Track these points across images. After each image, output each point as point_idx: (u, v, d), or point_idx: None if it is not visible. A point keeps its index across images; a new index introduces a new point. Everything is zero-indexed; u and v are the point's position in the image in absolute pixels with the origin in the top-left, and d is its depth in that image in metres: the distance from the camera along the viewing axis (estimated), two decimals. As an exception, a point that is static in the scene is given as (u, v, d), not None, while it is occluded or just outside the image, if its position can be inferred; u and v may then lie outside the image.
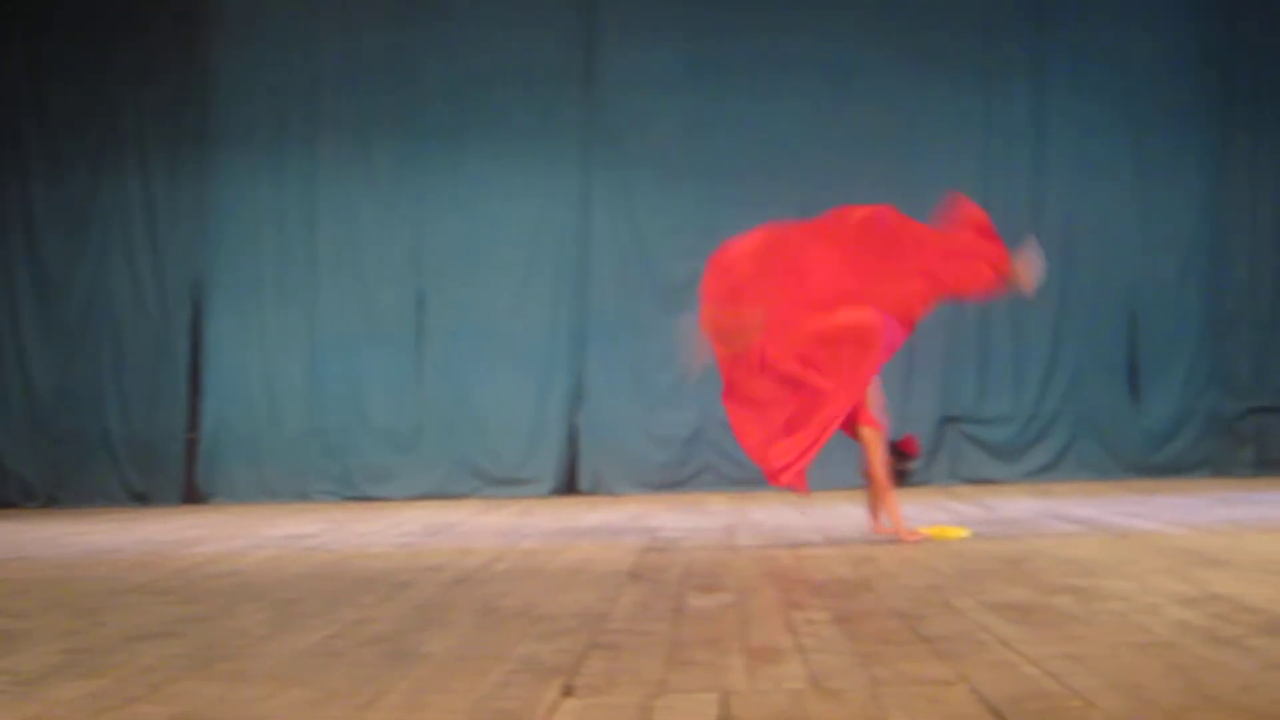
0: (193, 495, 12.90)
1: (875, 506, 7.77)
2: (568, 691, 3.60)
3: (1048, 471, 12.87)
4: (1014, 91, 13.32)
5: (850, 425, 7.68)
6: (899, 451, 7.89)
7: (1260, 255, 13.42)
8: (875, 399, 7.79)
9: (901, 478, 7.89)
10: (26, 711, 3.56)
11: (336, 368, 13.06)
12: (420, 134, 13.19)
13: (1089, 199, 13.11)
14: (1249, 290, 13.38)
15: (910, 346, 13.04)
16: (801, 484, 7.48)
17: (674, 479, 12.82)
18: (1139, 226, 13.29)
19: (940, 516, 9.21)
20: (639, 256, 13.16)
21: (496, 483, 12.81)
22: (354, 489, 12.83)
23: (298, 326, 13.12)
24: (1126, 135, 13.31)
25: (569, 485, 12.87)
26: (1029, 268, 7.92)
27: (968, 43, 13.33)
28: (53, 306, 13.22)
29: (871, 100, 13.19)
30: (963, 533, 7.89)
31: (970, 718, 3.21)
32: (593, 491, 12.73)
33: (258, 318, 13.15)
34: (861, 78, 13.16)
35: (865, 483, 7.82)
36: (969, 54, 13.34)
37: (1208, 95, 13.43)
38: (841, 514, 9.67)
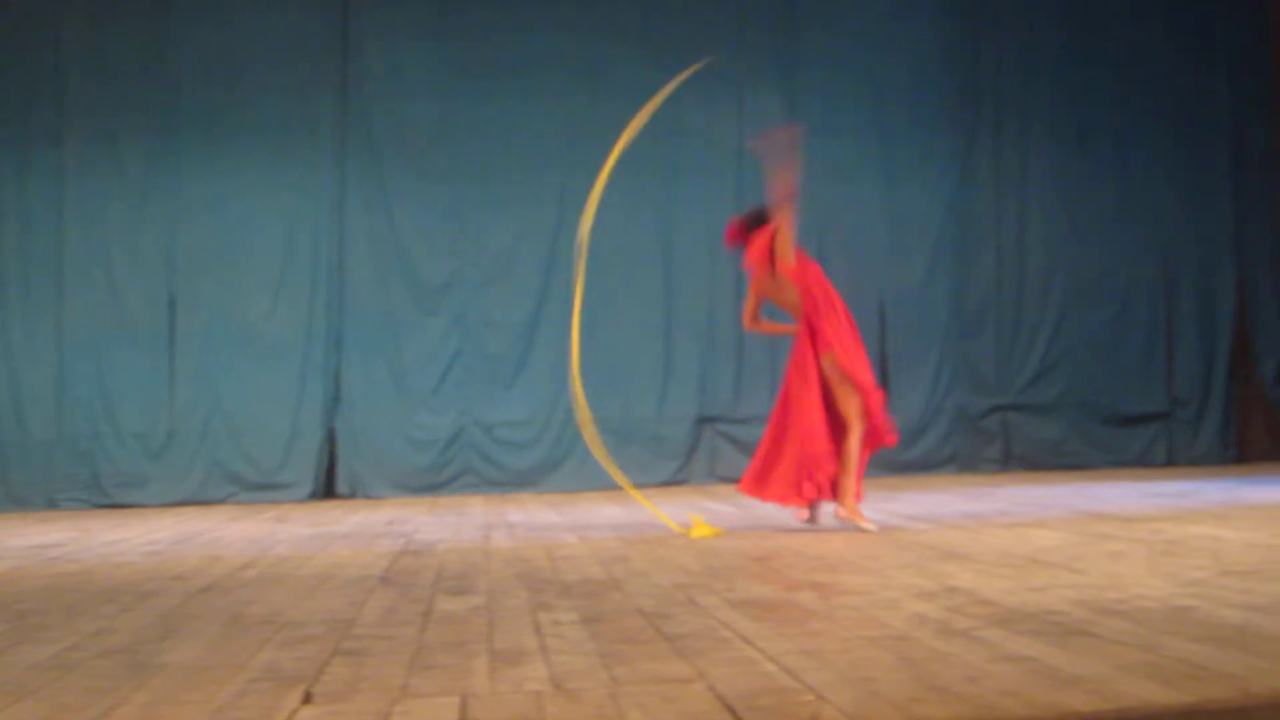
0: (-65, 504, 12.49)
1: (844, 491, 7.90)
2: (307, 699, 3.57)
3: (802, 469, 13.08)
4: (766, 95, 13.53)
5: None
6: None
7: (1004, 256, 13.85)
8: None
9: None
10: None
11: (85, 371, 12.73)
12: (172, 130, 12.93)
13: (839, 201, 13.35)
14: (993, 290, 13.80)
15: (668, 347, 13.24)
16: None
17: (433, 482, 12.77)
18: (887, 228, 13.62)
19: (697, 515, 9.29)
20: (396, 257, 13.07)
21: (253, 488, 12.62)
22: (105, 496, 12.52)
23: (44, 328, 12.76)
24: (874, 139, 13.62)
25: (327, 489, 12.73)
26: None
27: (721, 44, 13.49)
28: None
29: (627, 99, 13.27)
30: (715, 531, 7.98)
31: (705, 714, 3.25)
32: (351, 495, 12.62)
33: (1, 319, 12.77)
34: (616, 77, 13.25)
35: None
36: (722, 55, 13.51)
37: (951, 101, 13.81)
38: (599, 514, 9.71)
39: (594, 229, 13.08)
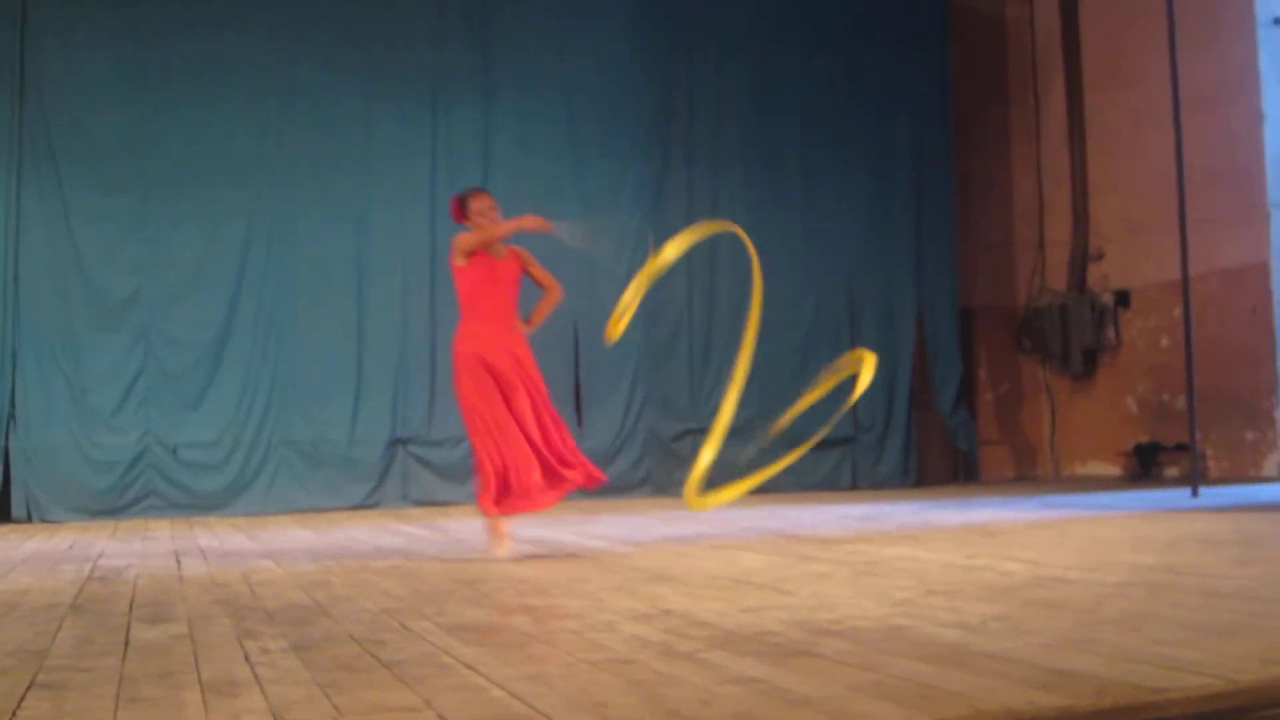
0: None
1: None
2: (7, 736, 3.35)
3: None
4: (464, 116, 13.48)
5: None
6: None
7: (694, 284, 14.02)
8: None
9: None
10: None
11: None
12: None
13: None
14: (684, 317, 13.96)
15: (360, 367, 13.03)
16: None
17: (116, 504, 12.32)
18: (579, 255, 13.64)
19: (391, 540, 9.15)
20: (76, 271, 12.58)
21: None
22: None
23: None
24: (569, 159, 13.67)
25: (1, 512, 12.15)
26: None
27: (419, 59, 13.42)
28: None
29: (323, 115, 13.11)
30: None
31: (438, 745, 3.15)
32: (27, 519, 12.07)
33: None
34: (309, 95, 13.07)
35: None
36: (420, 69, 13.43)
37: (647, 125, 13.95)
38: (291, 537, 9.48)
39: (284, 240, 12.89)
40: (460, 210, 8.00)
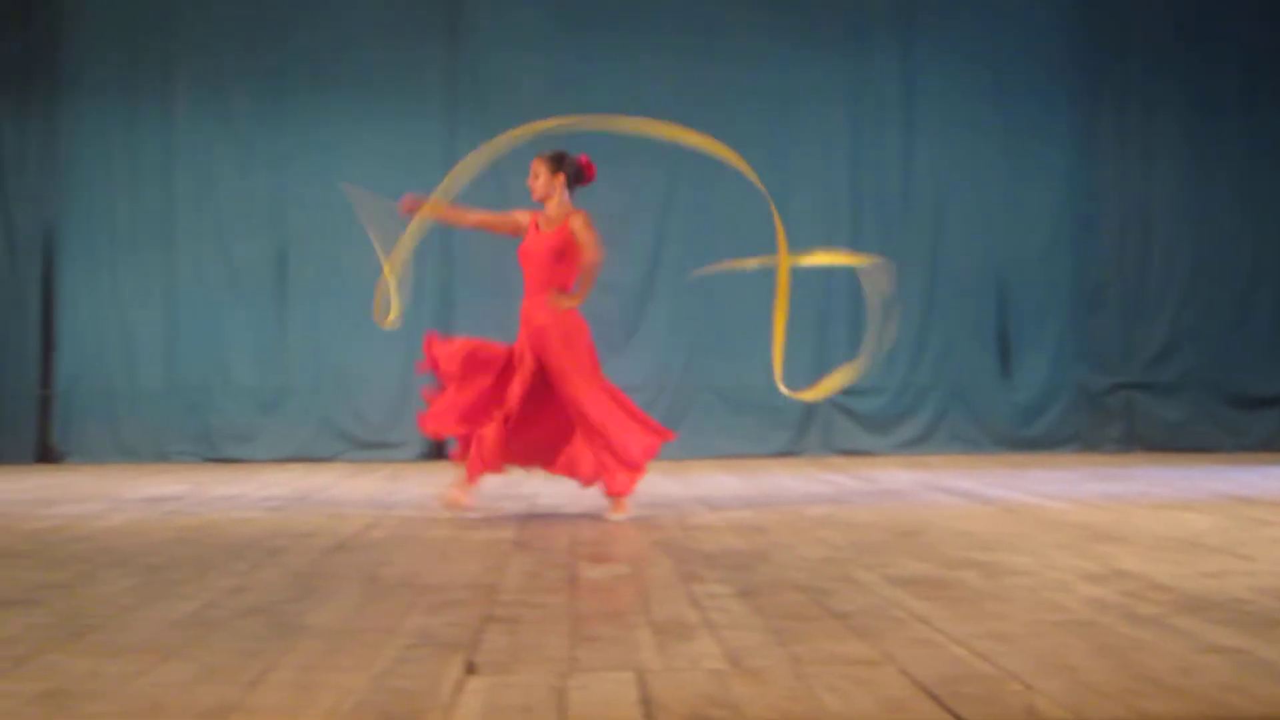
0: (47, 454, 12.44)
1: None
2: (471, 669, 3.37)
3: (920, 443, 12.81)
4: (881, 69, 13.22)
5: None
6: None
7: (1128, 229, 13.45)
8: None
9: None
10: (-126, 687, 3.27)
11: (196, 324, 12.64)
12: (281, 87, 12.76)
13: (959, 167, 13.05)
14: (1116, 265, 13.41)
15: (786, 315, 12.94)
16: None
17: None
18: (1007, 201, 13.26)
19: (820, 488, 9.07)
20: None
21: (363, 446, 12.50)
22: (215, 450, 12.43)
23: (155, 280, 12.66)
24: (993, 111, 13.26)
25: (438, 450, 12.56)
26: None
27: (835, 17, 13.22)
28: (-103, 257, 12.68)
29: (740, 59, 13.04)
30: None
31: (904, 700, 3.03)
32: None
33: (112, 270, 12.68)
34: (730, 36, 12.99)
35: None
36: (839, 16, 13.23)
37: (1070, 71, 13.42)
38: (718, 483, 9.50)
39: (708, 192, 12.92)
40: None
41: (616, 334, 12.70)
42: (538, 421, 7.30)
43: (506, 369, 7.33)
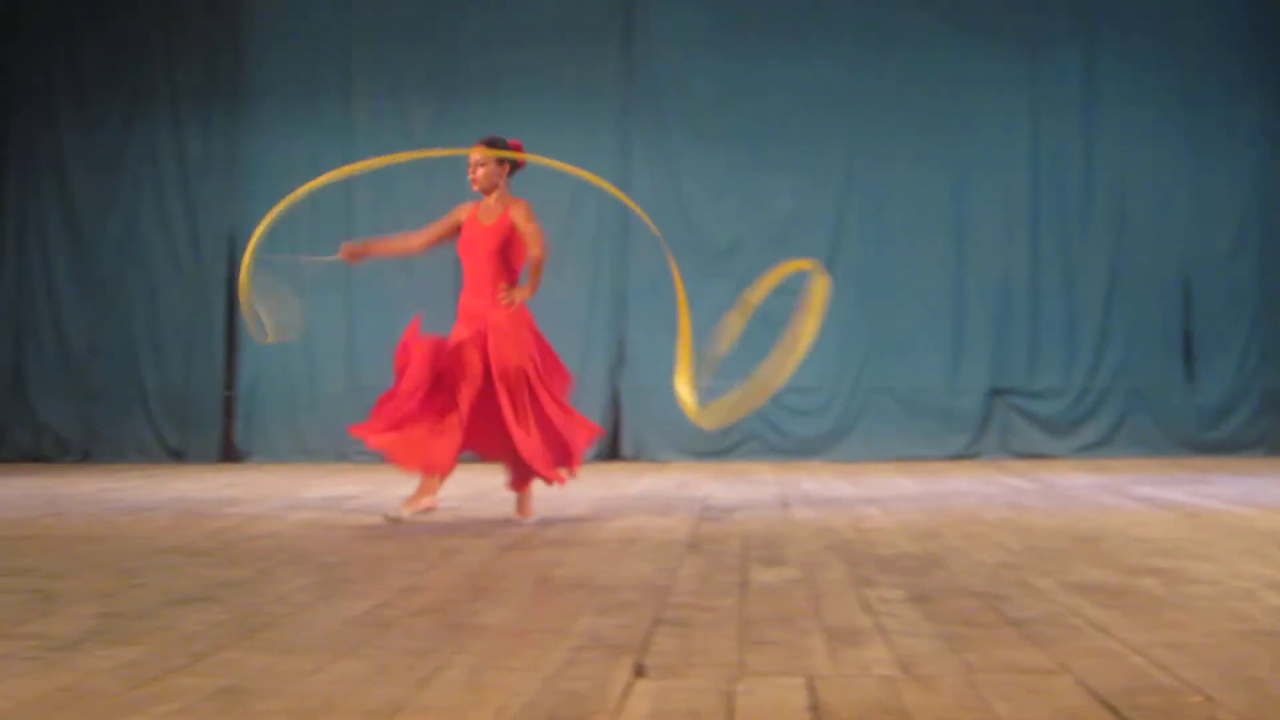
0: (230, 453, 12.71)
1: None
2: (640, 672, 3.35)
3: (1100, 447, 12.57)
4: (1062, 59, 12.98)
5: None
6: None
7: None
8: None
9: None
10: (58, 680, 3.33)
11: (375, 325, 12.80)
12: (457, 89, 12.91)
13: (1141, 169, 12.79)
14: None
15: (959, 315, 12.80)
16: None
17: (718, 447, 12.54)
18: (1192, 197, 12.95)
19: (996, 492, 8.93)
20: (681, 219, 12.84)
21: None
22: (393, 450, 12.58)
23: (336, 283, 12.86)
24: (1178, 104, 12.96)
25: (611, 451, 12.61)
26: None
27: (1014, 7, 13.02)
28: (86, 259, 12.99)
29: (914, 64, 12.90)
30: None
31: (1080, 711, 2.95)
32: (635, 458, 12.48)
33: (294, 273, 12.89)
34: (904, 41, 12.87)
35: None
36: (1015, 19, 13.02)
37: (1259, 64, 13.07)
38: (893, 485, 9.40)
39: (881, 189, 12.80)
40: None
41: (789, 334, 12.64)
42: (490, 417, 7.15)
43: (449, 367, 7.20)
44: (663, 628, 3.95)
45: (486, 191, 7.34)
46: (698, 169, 12.92)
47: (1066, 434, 12.63)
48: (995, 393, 12.78)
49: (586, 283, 12.78)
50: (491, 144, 7.32)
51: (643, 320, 12.74)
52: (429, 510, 7.03)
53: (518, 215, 7.24)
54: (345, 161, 12.80)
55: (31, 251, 13.01)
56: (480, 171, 7.30)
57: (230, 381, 12.85)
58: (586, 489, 9.23)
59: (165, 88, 12.97)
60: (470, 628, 4.01)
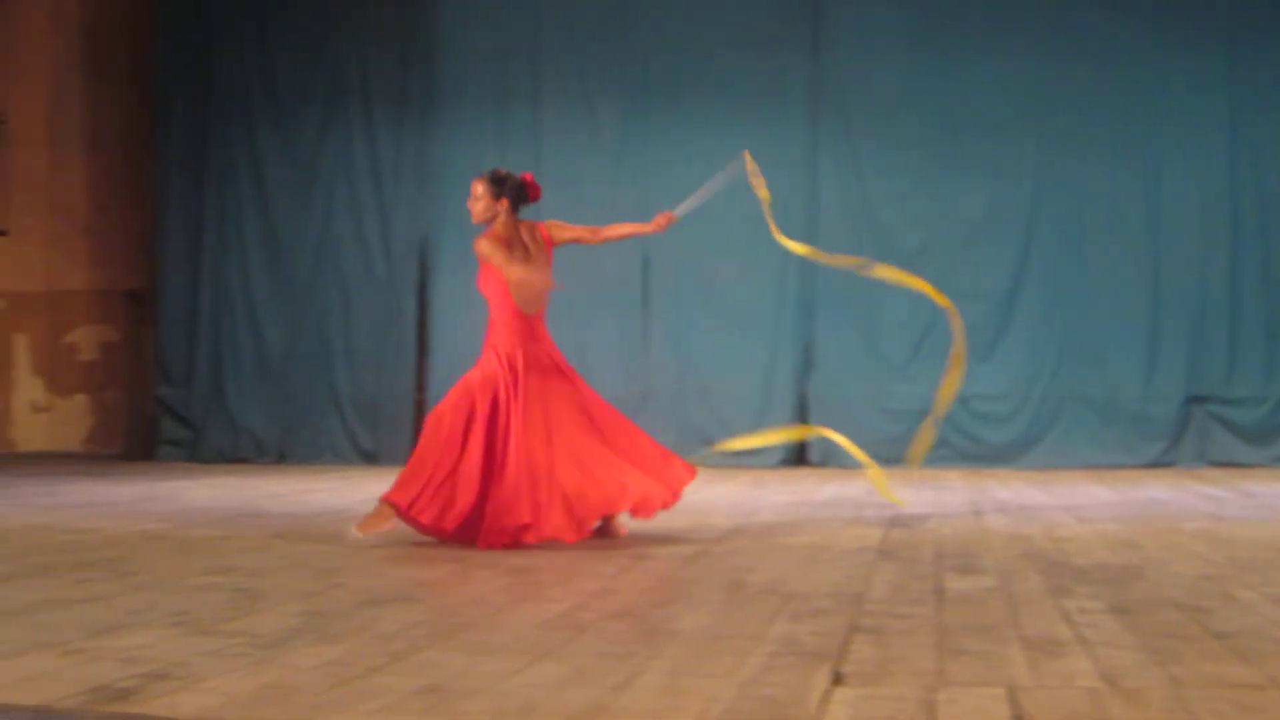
0: (420, 455, 12.87)
1: None
2: (837, 679, 3.33)
3: (1301, 456, 12.24)
4: (1261, 52, 12.63)
5: None
6: None
7: None
8: None
9: None
10: (266, 676, 3.41)
11: (561, 330, 12.84)
12: (644, 94, 12.93)
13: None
14: None
15: (1156, 321, 12.52)
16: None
17: (906, 454, 12.42)
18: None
19: (1194, 502, 8.73)
20: (868, 223, 12.75)
21: (725, 452, 12.55)
22: (579, 453, 12.67)
23: (525, 285, 12.98)
24: None
25: (799, 457, 12.57)
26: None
27: (1211, 1, 12.71)
28: (282, 265, 13.25)
29: (1107, 60, 12.64)
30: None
31: (1294, 729, 2.88)
32: (823, 464, 12.40)
33: (485, 275, 13.04)
34: (1096, 35, 12.60)
35: None
36: (1212, 11, 12.70)
37: None
38: (1086, 493, 9.25)
39: (1073, 189, 12.58)
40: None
41: (979, 342, 12.50)
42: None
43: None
44: (859, 635, 3.93)
45: (484, 223, 7.08)
46: (885, 170, 12.80)
47: (1267, 442, 12.29)
48: (1192, 400, 12.49)
49: (773, 286, 12.74)
50: (494, 181, 7.09)
51: (830, 325, 12.67)
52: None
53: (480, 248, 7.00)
54: (533, 166, 12.97)
55: (230, 259, 13.30)
56: (477, 205, 7.09)
57: (421, 384, 13.03)
58: (774, 495, 9.23)
59: (358, 95, 13.19)
60: (665, 632, 4.02)
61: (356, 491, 9.61)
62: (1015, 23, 12.68)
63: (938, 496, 9.16)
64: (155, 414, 13.46)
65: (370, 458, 12.85)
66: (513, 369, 6.78)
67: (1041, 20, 12.65)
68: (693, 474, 6.82)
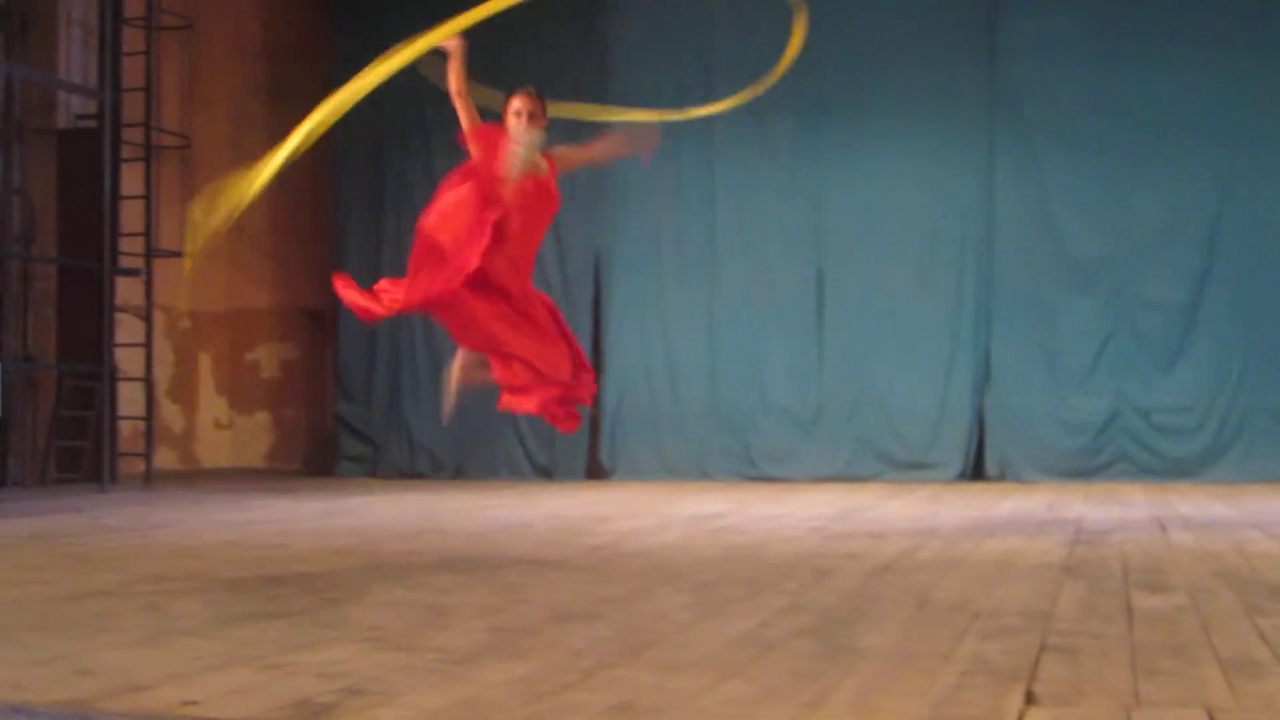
0: (595, 470, 12.99)
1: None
2: (1031, 699, 3.30)
3: None
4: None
5: None
6: None
7: None
8: None
9: None
10: (460, 693, 3.45)
11: (736, 345, 12.93)
12: (818, 109, 12.94)
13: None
14: None
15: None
16: None
17: (1086, 467, 12.27)
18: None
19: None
20: (1047, 232, 12.64)
21: (902, 466, 12.50)
22: (754, 469, 12.69)
23: (697, 302, 13.03)
24: None
25: (976, 470, 12.45)
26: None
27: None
28: (453, 279, 13.43)
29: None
30: None
31: None
32: (1000, 478, 12.29)
33: (658, 293, 13.12)
34: (1278, 42, 12.34)
35: None
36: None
37: None
38: (1275, 509, 9.04)
39: (1258, 197, 12.29)
40: None
41: (1161, 353, 12.30)
42: None
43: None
44: (1049, 654, 3.88)
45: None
46: (1065, 181, 12.67)
47: None
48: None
49: (950, 297, 12.66)
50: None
51: (1009, 337, 12.56)
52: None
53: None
54: (708, 183, 13.00)
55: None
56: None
57: (595, 400, 13.11)
58: (952, 510, 9.14)
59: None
60: (853, 650, 4.00)
61: (534, 507, 9.69)
62: (1197, 28, 12.46)
63: (1119, 512, 9.01)
64: (334, 431, 13.72)
65: (545, 473, 12.98)
66: None
67: (1223, 26, 12.42)
68: None
